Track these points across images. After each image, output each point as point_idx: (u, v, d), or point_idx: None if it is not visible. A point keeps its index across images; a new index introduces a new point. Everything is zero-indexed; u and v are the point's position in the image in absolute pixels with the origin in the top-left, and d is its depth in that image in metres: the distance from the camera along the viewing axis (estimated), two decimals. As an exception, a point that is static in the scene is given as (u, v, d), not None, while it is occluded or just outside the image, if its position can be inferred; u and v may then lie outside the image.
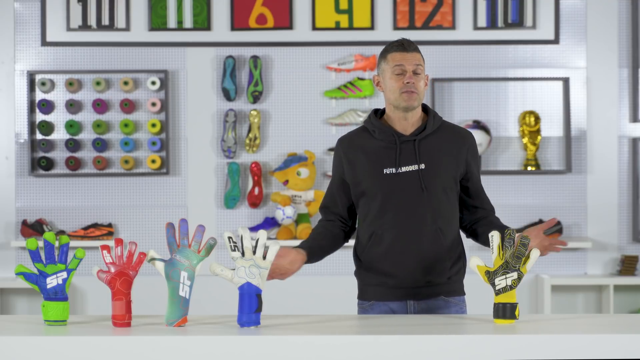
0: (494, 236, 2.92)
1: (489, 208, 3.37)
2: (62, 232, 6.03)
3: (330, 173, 5.97)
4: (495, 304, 2.87)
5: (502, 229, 3.22)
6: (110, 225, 6.06)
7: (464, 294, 3.33)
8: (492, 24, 6.10)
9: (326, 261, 6.02)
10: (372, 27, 6.10)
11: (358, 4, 6.09)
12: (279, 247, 2.87)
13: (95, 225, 6.04)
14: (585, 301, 6.10)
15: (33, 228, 5.99)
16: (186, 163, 6.11)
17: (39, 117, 6.11)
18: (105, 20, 6.10)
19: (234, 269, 2.81)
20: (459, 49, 6.11)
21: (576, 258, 6.11)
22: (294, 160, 6.00)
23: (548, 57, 6.11)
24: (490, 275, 2.89)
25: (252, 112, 6.05)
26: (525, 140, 6.04)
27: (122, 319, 2.81)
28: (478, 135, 5.84)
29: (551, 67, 6.11)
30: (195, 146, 6.10)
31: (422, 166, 3.25)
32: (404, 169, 3.25)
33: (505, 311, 2.85)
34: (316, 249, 3.30)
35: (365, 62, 6.08)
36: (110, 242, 5.76)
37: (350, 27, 6.09)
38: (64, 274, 2.88)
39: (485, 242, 3.29)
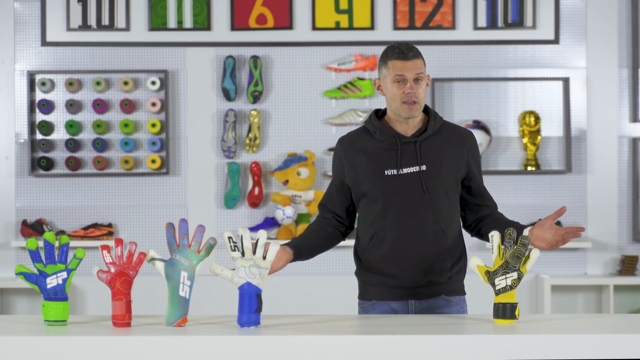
0: (494, 236, 2.92)
1: (492, 205, 3.37)
2: (62, 232, 6.03)
3: (330, 173, 5.97)
4: (495, 304, 2.87)
5: (509, 224, 3.24)
6: (110, 225, 6.06)
7: (464, 293, 3.33)
8: (492, 24, 6.10)
9: (326, 261, 6.05)
10: (372, 27, 6.10)
11: (358, 4, 6.09)
12: (279, 247, 2.87)
13: (95, 225, 6.04)
14: (585, 301, 6.10)
15: (33, 228, 5.99)
16: (186, 163, 6.11)
17: (39, 117, 6.11)
18: (105, 20, 6.10)
19: (234, 269, 2.81)
20: (459, 49, 6.11)
21: (576, 258, 6.11)
22: (294, 160, 6.00)
23: (548, 57, 6.11)
24: (490, 275, 2.89)
25: (252, 112, 6.05)
26: (525, 140, 6.05)
27: (122, 319, 2.81)
28: (478, 135, 5.84)
29: (551, 67, 6.11)
30: (195, 146, 6.10)
31: (424, 167, 3.25)
32: (405, 170, 3.25)
33: (505, 311, 2.85)
34: (305, 247, 3.31)
35: (365, 62, 6.08)
36: (110, 242, 5.76)
37: (350, 27, 6.09)
38: (64, 274, 2.88)
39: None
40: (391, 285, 3.25)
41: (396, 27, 6.09)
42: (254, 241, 2.85)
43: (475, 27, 6.10)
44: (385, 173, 3.25)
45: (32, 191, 6.10)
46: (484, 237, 3.34)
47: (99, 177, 6.09)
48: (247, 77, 6.11)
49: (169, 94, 6.06)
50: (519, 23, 6.09)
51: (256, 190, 6.04)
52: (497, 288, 2.87)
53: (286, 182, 5.99)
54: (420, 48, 3.30)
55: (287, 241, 5.82)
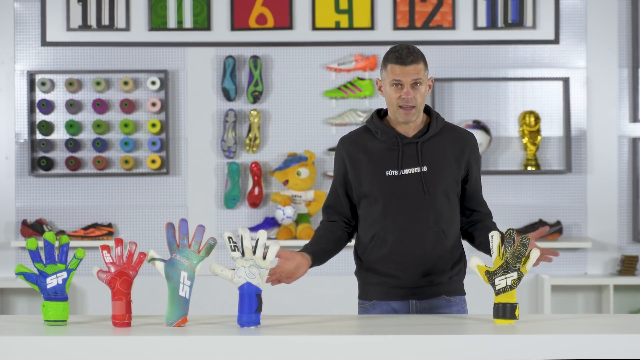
0: (494, 236, 2.92)
1: (485, 212, 3.35)
2: (62, 232, 6.03)
3: (330, 173, 5.97)
4: (495, 304, 2.87)
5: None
6: (110, 225, 6.06)
7: (464, 293, 3.33)
8: (492, 24, 6.10)
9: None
10: (372, 27, 6.10)
11: (358, 4, 6.09)
12: (279, 247, 2.87)
13: (95, 225, 6.04)
14: (585, 301, 6.10)
15: (33, 228, 5.99)
16: (186, 163, 6.11)
17: (39, 117, 6.11)
18: (105, 20, 6.10)
19: (234, 269, 2.81)
20: (459, 49, 6.11)
21: (576, 258, 6.11)
22: (294, 160, 6.00)
23: (548, 57, 6.11)
24: (490, 275, 2.89)
25: (252, 112, 6.05)
26: (525, 140, 6.05)
27: (122, 319, 2.81)
28: (478, 135, 5.84)
29: (551, 67, 6.11)
30: (195, 146, 6.10)
31: (425, 168, 3.24)
32: (406, 171, 3.24)
33: (505, 311, 2.85)
34: (320, 253, 3.29)
35: (365, 62, 6.08)
36: (110, 242, 5.76)
37: (350, 27, 6.09)
38: (64, 274, 2.88)
39: (480, 247, 3.29)
40: (392, 285, 3.25)
41: (396, 27, 6.09)
42: (254, 241, 2.85)
43: (475, 27, 6.10)
44: (386, 174, 3.25)
45: (32, 191, 6.10)
46: (474, 242, 3.34)
47: (99, 177, 6.09)
48: (247, 77, 6.11)
49: (169, 94, 6.06)
50: (519, 23, 6.09)
51: (256, 190, 6.04)
52: (497, 288, 2.87)
53: (286, 182, 5.99)
54: (420, 48, 3.27)
55: (287, 241, 5.84)
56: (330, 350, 2.58)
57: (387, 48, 5.94)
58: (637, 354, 2.59)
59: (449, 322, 2.92)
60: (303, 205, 6.04)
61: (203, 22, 6.10)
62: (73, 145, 6.05)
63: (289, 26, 6.09)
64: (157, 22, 6.10)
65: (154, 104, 6.05)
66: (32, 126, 6.07)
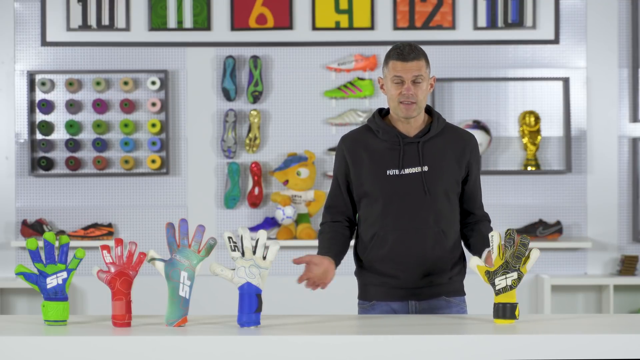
0: (494, 236, 2.92)
1: (479, 214, 3.34)
2: (62, 232, 6.03)
3: (330, 173, 5.97)
4: (495, 304, 2.87)
5: (479, 239, 3.23)
6: (110, 225, 6.06)
7: (464, 294, 3.33)
8: (492, 24, 6.10)
9: (326, 261, 6.03)
10: (372, 27, 6.09)
11: (358, 4, 6.09)
12: (278, 247, 2.87)
13: (95, 225, 6.04)
14: (585, 301, 6.10)
15: (33, 228, 5.99)
16: (186, 163, 6.11)
17: (39, 117, 6.11)
18: (105, 20, 6.10)
19: (234, 269, 2.81)
20: (459, 49, 6.11)
21: (576, 258, 6.11)
22: (294, 160, 6.00)
23: (548, 57, 6.11)
24: (490, 275, 2.89)
25: (252, 112, 6.05)
26: (525, 140, 6.04)
27: (122, 319, 2.81)
28: (478, 135, 5.84)
29: (551, 67, 6.11)
30: (195, 146, 6.10)
31: (425, 168, 3.24)
32: (407, 170, 3.25)
33: (505, 311, 2.85)
34: (338, 255, 3.30)
35: (365, 62, 6.08)
36: (110, 242, 5.76)
37: (350, 27, 6.09)
38: (64, 274, 2.88)
39: (470, 249, 3.30)
40: (392, 286, 3.25)
41: (396, 27, 6.09)
42: (254, 241, 2.85)
43: (475, 27, 6.10)
44: (387, 173, 3.25)
45: (32, 191, 6.10)
46: (464, 244, 3.34)
47: (99, 177, 6.09)
48: (247, 77, 6.11)
49: (169, 94, 6.06)
50: (519, 23, 6.09)
51: (256, 190, 6.04)
52: (497, 288, 2.87)
53: (286, 182, 5.99)
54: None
55: (287, 241, 5.84)
56: (330, 350, 2.58)
57: (387, 48, 5.93)
58: (637, 354, 2.59)
59: (449, 322, 2.92)
60: (303, 205, 6.04)
61: (203, 22, 6.10)
62: (73, 145, 6.05)
63: (289, 26, 6.09)
64: (157, 22, 6.10)
65: (154, 104, 6.05)
66: (32, 126, 6.07)
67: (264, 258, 2.83)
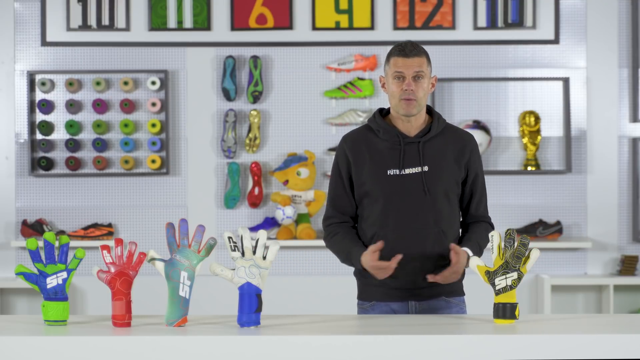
0: (494, 236, 2.92)
1: (475, 214, 3.33)
2: (62, 232, 6.04)
3: (330, 173, 5.97)
4: (495, 304, 2.87)
5: (468, 237, 3.24)
6: (110, 225, 6.06)
7: (464, 294, 3.34)
8: (492, 24, 6.10)
9: (326, 261, 6.05)
10: (372, 27, 6.09)
11: (358, 4, 6.09)
12: (278, 247, 2.86)
13: (95, 225, 6.04)
14: (585, 301, 6.10)
15: (33, 228, 5.99)
16: (186, 163, 6.11)
17: (39, 117, 6.11)
18: (105, 20, 6.10)
19: (234, 269, 2.81)
20: (459, 49, 6.11)
21: (576, 258, 6.10)
22: (294, 160, 6.00)
23: (548, 57, 6.11)
24: (490, 275, 2.89)
25: (252, 112, 6.05)
26: (525, 140, 6.04)
27: (122, 319, 2.81)
28: (478, 135, 5.84)
29: (551, 67, 6.11)
30: (195, 146, 6.10)
31: (425, 168, 3.25)
32: (407, 170, 3.25)
33: (505, 311, 2.85)
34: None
35: (365, 62, 6.08)
36: (110, 242, 5.76)
37: (350, 27, 6.09)
38: (64, 274, 2.88)
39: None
40: (391, 286, 3.25)
41: (396, 27, 6.09)
42: (254, 241, 2.85)
43: (475, 27, 6.10)
44: (388, 173, 3.25)
45: (32, 191, 6.10)
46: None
47: (99, 177, 6.09)
48: (247, 77, 6.11)
49: (169, 94, 6.06)
50: (519, 23, 6.09)
51: (256, 190, 6.04)
52: (497, 288, 2.87)
53: (286, 182, 5.99)
54: (421, 48, 3.30)
55: (287, 241, 5.83)
56: (330, 350, 2.58)
57: (387, 48, 5.93)
58: (637, 354, 2.59)
59: (449, 322, 2.92)
60: (303, 205, 6.04)
61: (203, 22, 6.10)
62: (73, 145, 6.05)
63: (289, 26, 6.09)
64: (157, 22, 6.10)
65: (154, 104, 6.05)
66: (32, 126, 6.07)
67: (264, 258, 2.83)
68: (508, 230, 2.90)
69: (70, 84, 6.04)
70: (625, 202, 6.11)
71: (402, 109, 3.23)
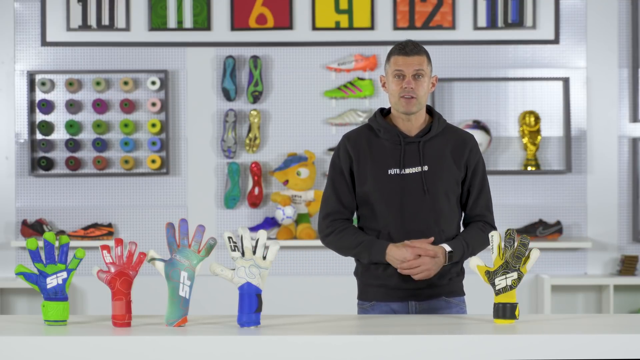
0: (494, 236, 2.92)
1: (472, 214, 3.33)
2: (62, 232, 6.03)
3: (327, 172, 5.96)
4: (495, 304, 2.87)
5: (462, 234, 3.25)
6: (110, 225, 6.06)
7: (464, 294, 3.34)
8: (492, 24, 6.10)
9: (326, 261, 6.05)
10: (372, 27, 6.09)
11: (358, 4, 6.09)
12: (278, 247, 2.86)
13: (95, 225, 6.04)
14: (585, 301, 6.10)
15: (33, 228, 5.99)
16: (186, 163, 6.11)
17: (39, 117, 6.11)
18: (105, 20, 6.10)
19: (234, 269, 2.81)
20: (459, 49, 6.11)
21: (576, 258, 6.10)
22: (294, 160, 6.00)
23: (548, 57, 6.11)
24: (490, 275, 2.89)
25: (252, 112, 6.05)
26: (525, 140, 6.04)
27: (122, 319, 2.81)
28: (478, 135, 5.84)
29: (551, 67, 6.11)
30: (195, 146, 6.10)
31: (426, 168, 3.25)
32: (407, 170, 3.25)
33: (505, 311, 2.85)
34: None
35: (365, 62, 6.08)
36: (110, 242, 5.76)
37: (350, 27, 6.09)
38: (64, 274, 2.88)
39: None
40: (391, 287, 3.25)
41: (396, 27, 6.09)
42: (254, 241, 2.85)
43: (475, 27, 6.10)
44: (389, 172, 3.25)
45: (32, 191, 6.10)
46: None
47: (99, 177, 6.09)
48: (247, 77, 6.11)
49: (169, 94, 6.06)
50: (519, 23, 6.09)
51: (256, 190, 6.04)
52: (497, 288, 2.87)
53: (286, 182, 5.99)
54: (421, 48, 3.30)
55: (287, 241, 5.83)
56: (330, 350, 2.58)
57: (387, 48, 5.93)
58: (637, 354, 2.59)
59: (449, 322, 2.92)
60: (303, 205, 6.04)
61: (203, 22, 6.10)
62: (73, 145, 6.05)
63: (289, 26, 6.09)
64: (157, 22, 6.10)
65: (154, 104, 6.05)
66: (32, 126, 6.07)
67: (264, 258, 2.83)
68: (508, 230, 2.90)
69: (70, 84, 6.04)
70: (625, 202, 6.11)
71: (402, 107, 3.23)
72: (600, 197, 6.09)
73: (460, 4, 6.09)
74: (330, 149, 6.07)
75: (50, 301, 2.85)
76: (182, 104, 6.11)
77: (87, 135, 6.12)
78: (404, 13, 6.09)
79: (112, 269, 2.84)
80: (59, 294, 2.86)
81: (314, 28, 6.10)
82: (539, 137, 6.04)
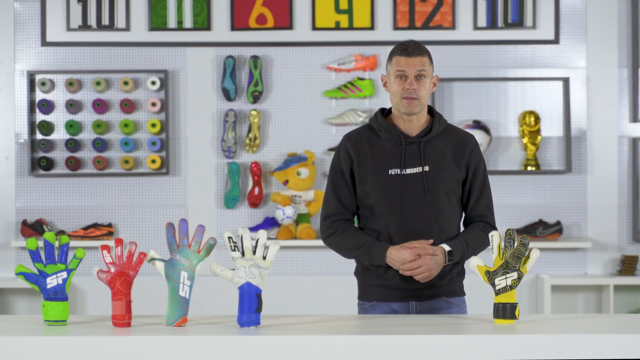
0: (494, 236, 2.92)
1: (473, 214, 3.33)
2: (62, 232, 6.03)
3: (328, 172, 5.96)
4: (495, 304, 2.87)
5: (461, 235, 3.25)
6: (110, 225, 6.06)
7: (464, 294, 3.34)
8: (492, 24, 6.10)
9: (326, 261, 6.05)
10: (372, 27, 6.09)
11: (358, 4, 6.09)
12: (278, 247, 2.86)
13: (95, 225, 6.04)
14: (585, 301, 6.10)
15: (33, 228, 5.99)
16: (186, 163, 6.11)
17: (39, 117, 6.11)
18: (105, 20, 6.10)
19: (234, 269, 2.81)
20: (459, 49, 6.11)
21: (576, 258, 6.10)
22: (294, 160, 6.00)
23: (548, 57, 6.11)
24: (490, 275, 2.89)
25: (252, 112, 6.05)
26: (525, 140, 6.04)
27: (122, 319, 2.81)
28: (478, 135, 5.84)
29: (551, 67, 6.11)
30: (195, 146, 6.10)
31: (426, 168, 3.25)
32: (408, 170, 3.25)
33: (505, 311, 2.85)
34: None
35: (365, 62, 6.08)
36: (110, 242, 5.76)
37: (350, 27, 6.09)
38: (64, 274, 2.88)
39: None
40: (392, 287, 3.25)
41: (396, 27, 6.09)
42: (254, 241, 2.85)
43: (475, 27, 6.10)
44: (389, 172, 3.25)
45: (32, 191, 6.10)
46: None
47: (99, 177, 6.09)
48: (247, 77, 6.11)
49: (169, 94, 6.06)
50: (519, 23, 6.09)
51: (256, 190, 6.04)
52: (497, 288, 2.87)
53: (286, 182, 5.99)
54: (421, 48, 3.30)
55: (287, 241, 5.83)
56: (330, 350, 2.58)
57: (387, 48, 5.94)
58: (637, 354, 2.59)
59: (449, 322, 2.92)
60: (303, 205, 6.04)
61: (203, 22, 6.10)
62: (73, 145, 6.05)
63: (289, 26, 6.09)
64: (157, 22, 6.10)
65: (154, 104, 6.05)
66: (32, 126, 6.07)
67: (264, 258, 2.83)
68: (508, 230, 2.90)
69: (70, 84, 6.04)
70: (625, 202, 6.11)
71: (404, 108, 3.23)
72: (600, 197, 6.09)
73: (460, 4, 6.09)
74: (330, 149, 6.07)
75: (50, 301, 2.85)
76: (182, 104, 6.11)
77: (87, 135, 6.12)
78: (404, 13, 6.09)
79: (112, 269, 2.84)
80: (59, 294, 2.86)
81: (314, 28, 6.10)
82: (539, 137, 6.04)
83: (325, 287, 6.02)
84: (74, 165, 6.05)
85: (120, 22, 6.11)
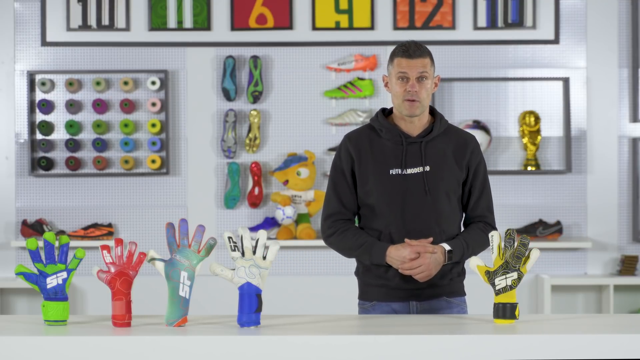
0: (494, 236, 2.92)
1: (473, 215, 3.34)
2: (62, 232, 6.03)
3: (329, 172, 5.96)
4: (495, 304, 2.87)
5: (462, 235, 3.24)
6: (110, 225, 6.06)
7: (464, 294, 3.34)
8: (492, 24, 6.10)
9: (326, 261, 6.05)
10: (372, 27, 6.09)
11: (358, 4, 6.09)
12: (278, 247, 2.86)
13: (95, 225, 6.04)
14: (585, 301, 6.10)
15: (33, 228, 5.99)
16: (186, 163, 6.11)
17: (39, 117, 6.11)
18: (105, 20, 6.10)
19: (234, 269, 2.81)
20: (459, 49, 6.11)
21: (576, 258, 6.10)
22: (294, 160, 6.00)
23: (548, 57, 6.11)
24: (490, 275, 2.89)
25: (252, 112, 6.05)
26: (525, 140, 6.04)
27: (122, 319, 2.81)
28: (478, 135, 5.84)
29: (551, 67, 6.11)
30: (195, 146, 6.10)
31: (427, 168, 3.25)
32: (409, 170, 3.25)
33: (505, 311, 2.85)
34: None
35: (365, 62, 6.08)
36: (110, 242, 5.76)
37: (350, 27, 6.09)
38: (64, 274, 2.88)
39: None
40: (392, 287, 3.25)
41: (396, 27, 6.09)
42: (254, 241, 2.85)
43: (475, 27, 6.10)
44: (390, 172, 3.25)
45: (32, 191, 6.10)
46: None
47: (99, 177, 6.09)
48: (247, 77, 6.11)
49: (169, 94, 6.06)
50: (519, 23, 6.09)
51: (256, 190, 6.04)
52: (497, 288, 2.87)
53: (286, 182, 5.99)
54: (421, 48, 3.30)
55: (287, 241, 5.83)
56: (330, 350, 2.58)
57: (387, 48, 5.95)
58: (637, 354, 2.59)
59: (449, 322, 2.92)
60: (303, 205, 6.04)
61: (203, 22, 6.10)
62: (73, 145, 6.05)
63: (289, 26, 6.09)
64: (157, 22, 6.10)
65: (154, 104, 6.05)
66: (32, 126, 6.07)
67: (264, 258, 2.83)
68: (508, 230, 2.90)
69: (70, 84, 6.04)
70: (625, 202, 6.11)
71: (406, 110, 3.23)
72: (600, 197, 6.09)
73: (460, 4, 6.09)
74: (331, 149, 6.07)
75: (50, 301, 2.85)
76: (182, 104, 6.11)
77: (87, 135, 6.12)
78: (404, 13, 6.09)
79: (112, 269, 2.84)
80: (59, 294, 2.86)
81: (314, 28, 6.10)
82: (539, 137, 6.04)
83: (325, 287, 6.02)
84: (74, 165, 6.05)
85: (120, 22, 6.11)
